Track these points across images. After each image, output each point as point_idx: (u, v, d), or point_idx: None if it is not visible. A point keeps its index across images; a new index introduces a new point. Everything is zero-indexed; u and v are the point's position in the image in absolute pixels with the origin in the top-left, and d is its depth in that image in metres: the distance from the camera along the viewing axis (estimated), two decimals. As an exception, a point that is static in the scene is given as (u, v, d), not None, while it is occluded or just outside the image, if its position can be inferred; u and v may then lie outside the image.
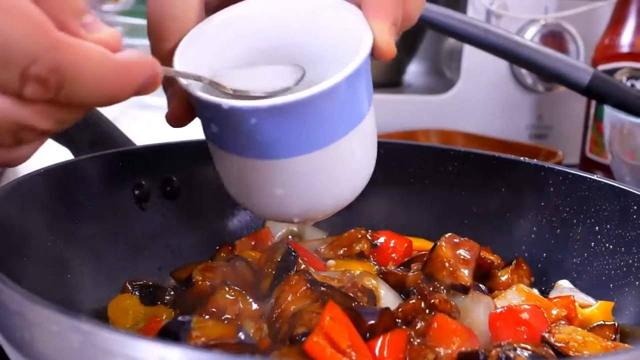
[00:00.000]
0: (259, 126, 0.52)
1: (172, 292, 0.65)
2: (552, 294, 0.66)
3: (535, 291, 0.66)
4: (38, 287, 0.58)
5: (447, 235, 0.63)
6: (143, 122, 1.53)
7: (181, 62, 0.54)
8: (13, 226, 0.58)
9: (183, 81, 0.53)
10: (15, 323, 0.44)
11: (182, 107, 0.57)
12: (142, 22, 1.63)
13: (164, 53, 0.56)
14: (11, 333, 0.45)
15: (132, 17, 1.59)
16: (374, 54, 0.55)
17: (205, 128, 0.56)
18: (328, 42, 0.58)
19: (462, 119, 1.26)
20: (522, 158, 0.74)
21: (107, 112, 1.66)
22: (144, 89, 0.46)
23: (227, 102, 0.51)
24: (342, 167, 0.56)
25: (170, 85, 0.57)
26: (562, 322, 0.60)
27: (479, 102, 1.28)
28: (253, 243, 0.73)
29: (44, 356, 0.42)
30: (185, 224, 0.73)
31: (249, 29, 0.59)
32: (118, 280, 0.66)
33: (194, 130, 0.72)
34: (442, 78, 1.37)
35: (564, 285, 0.68)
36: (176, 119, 0.58)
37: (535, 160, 0.73)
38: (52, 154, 0.84)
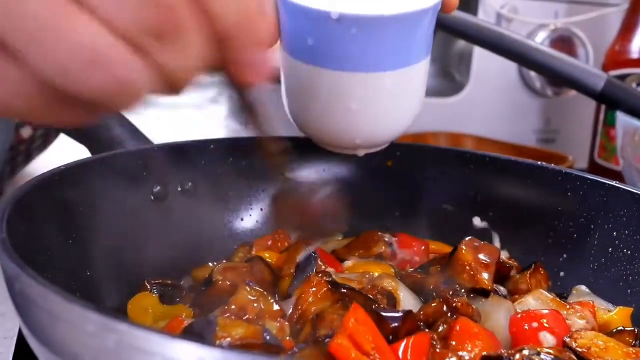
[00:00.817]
0: (357, 37, 0.58)
1: (191, 292, 0.65)
2: (571, 299, 0.66)
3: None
4: (58, 284, 0.58)
5: (468, 239, 0.63)
6: (147, 119, 1.53)
7: None
8: (34, 224, 0.58)
9: None
10: (46, 321, 0.44)
11: None
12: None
13: None
14: (40, 331, 0.45)
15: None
16: (443, 4, 0.62)
17: (295, 43, 0.62)
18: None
19: (470, 122, 1.27)
20: (539, 162, 0.74)
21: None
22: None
23: (336, 11, 0.57)
24: (410, 92, 0.63)
25: None
26: (586, 327, 0.60)
27: (488, 106, 1.28)
28: (270, 243, 0.73)
29: (77, 356, 0.42)
30: (203, 223, 0.73)
31: None
32: (136, 278, 0.65)
33: (207, 131, 0.72)
34: (452, 81, 1.37)
35: (583, 290, 0.68)
36: None
37: (553, 165, 0.73)
38: (70, 152, 0.84)
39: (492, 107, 1.28)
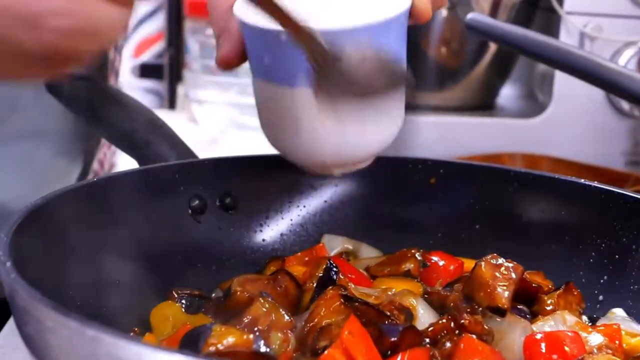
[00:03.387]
0: None
1: (216, 302, 0.66)
2: (600, 322, 0.63)
3: (585, 318, 0.63)
4: (86, 293, 0.60)
5: (489, 256, 0.62)
6: (241, 141, 1.57)
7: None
8: (67, 232, 0.60)
9: (241, 15, 0.59)
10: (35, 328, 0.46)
11: (234, 49, 0.61)
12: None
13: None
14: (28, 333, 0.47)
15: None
16: (412, 13, 0.60)
17: (256, 63, 0.62)
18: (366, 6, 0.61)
19: (554, 144, 1.23)
20: (582, 180, 0.71)
21: (207, 132, 1.71)
22: None
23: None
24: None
25: (223, 31, 0.62)
26: (607, 351, 0.58)
27: (572, 127, 1.24)
28: (307, 259, 0.73)
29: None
30: (240, 237, 0.75)
31: None
32: (169, 289, 0.67)
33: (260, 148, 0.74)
34: (535, 101, 1.34)
35: (617, 314, 0.65)
36: (227, 60, 0.62)
37: (596, 182, 0.71)
38: (121, 164, 0.87)
39: (576, 127, 1.24)
